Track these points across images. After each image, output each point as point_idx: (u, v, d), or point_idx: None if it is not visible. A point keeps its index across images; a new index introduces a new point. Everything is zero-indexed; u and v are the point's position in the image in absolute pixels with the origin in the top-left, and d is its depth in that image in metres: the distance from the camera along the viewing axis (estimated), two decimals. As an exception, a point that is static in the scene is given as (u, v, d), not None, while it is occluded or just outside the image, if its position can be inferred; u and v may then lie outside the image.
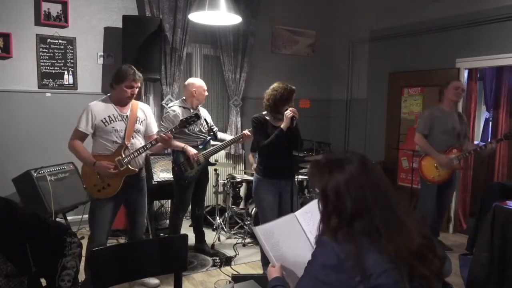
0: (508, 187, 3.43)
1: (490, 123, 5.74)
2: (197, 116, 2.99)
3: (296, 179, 3.16)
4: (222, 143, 3.72)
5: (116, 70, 2.84)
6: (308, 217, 1.48)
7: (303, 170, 4.42)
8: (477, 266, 2.72)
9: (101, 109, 2.77)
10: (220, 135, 3.84)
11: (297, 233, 1.46)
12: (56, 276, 1.39)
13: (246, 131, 3.59)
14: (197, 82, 3.62)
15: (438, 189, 3.73)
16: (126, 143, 2.78)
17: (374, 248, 1.07)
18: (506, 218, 2.64)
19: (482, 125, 6.45)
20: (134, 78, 2.75)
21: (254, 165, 3.85)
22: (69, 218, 3.86)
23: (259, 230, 1.49)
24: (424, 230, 1.14)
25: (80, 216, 3.92)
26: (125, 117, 2.82)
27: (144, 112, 2.96)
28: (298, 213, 1.54)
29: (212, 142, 3.73)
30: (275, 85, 2.99)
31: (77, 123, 2.74)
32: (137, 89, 2.82)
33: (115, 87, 2.78)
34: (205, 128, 3.67)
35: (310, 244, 1.35)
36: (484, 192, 3.72)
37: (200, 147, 3.55)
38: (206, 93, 3.65)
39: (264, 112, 3.05)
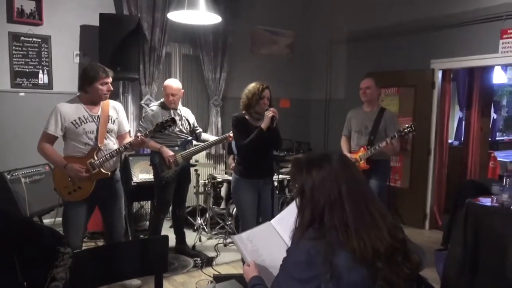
0: (480, 184, 3.55)
1: (463, 122, 5.93)
2: (173, 121, 2.93)
3: (276, 178, 3.19)
4: (203, 144, 3.70)
5: (83, 72, 2.73)
6: (284, 224, 1.49)
7: (283, 170, 4.46)
8: (451, 260, 2.81)
9: (71, 110, 2.68)
10: (204, 136, 3.82)
11: (275, 240, 1.47)
12: (44, 287, 1.35)
13: (231, 133, 3.59)
14: (165, 83, 3.56)
15: None
16: (100, 145, 2.71)
17: (344, 246, 1.08)
18: (478, 214, 2.74)
19: (456, 125, 6.67)
20: (106, 74, 2.69)
21: (233, 165, 3.85)
22: (44, 221, 3.75)
23: (237, 238, 1.50)
24: (397, 231, 1.15)
25: (53, 219, 3.81)
26: (96, 117, 2.74)
27: (116, 110, 2.88)
28: (273, 221, 1.56)
29: (195, 143, 3.71)
30: (249, 85, 3.04)
31: (46, 126, 2.64)
32: (111, 85, 2.76)
33: (88, 89, 2.69)
34: (187, 128, 3.64)
35: None
36: (458, 189, 3.83)
37: (177, 148, 3.52)
38: (171, 98, 3.46)
39: (244, 112, 3.06)
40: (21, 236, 1.33)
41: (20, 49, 4.04)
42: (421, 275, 1.25)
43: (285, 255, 1.19)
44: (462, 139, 5.99)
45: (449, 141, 5.53)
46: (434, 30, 4.55)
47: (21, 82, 4.08)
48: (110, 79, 2.73)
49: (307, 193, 1.19)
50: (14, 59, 4.02)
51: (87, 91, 2.71)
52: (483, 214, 2.73)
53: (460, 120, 6.46)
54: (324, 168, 1.19)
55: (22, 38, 4.04)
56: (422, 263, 1.17)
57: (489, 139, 6.05)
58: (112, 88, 2.76)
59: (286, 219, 1.48)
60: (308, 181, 1.19)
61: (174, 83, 3.55)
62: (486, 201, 2.83)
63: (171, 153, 3.44)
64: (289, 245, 1.22)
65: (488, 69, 5.40)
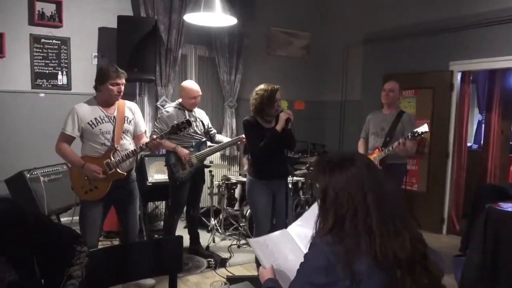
0: (500, 189, 3.46)
1: (483, 125, 5.79)
2: (189, 123, 2.96)
3: (291, 180, 3.17)
4: (217, 145, 3.71)
5: (98, 71, 2.80)
6: (300, 231, 1.48)
7: (297, 172, 4.43)
8: (469, 267, 2.75)
9: (87, 111, 2.72)
10: (218, 137, 3.81)
11: (291, 246, 1.46)
12: (61, 285, 1.36)
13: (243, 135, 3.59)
14: (186, 86, 3.54)
15: None
16: (116, 145, 2.74)
17: (365, 252, 1.06)
18: (499, 220, 2.67)
19: (475, 128, 6.52)
20: (117, 74, 2.70)
21: (246, 167, 3.85)
22: (62, 220, 3.82)
23: (254, 241, 1.51)
24: (419, 244, 1.12)
25: (71, 218, 3.88)
26: (112, 118, 2.77)
27: (132, 110, 2.91)
28: (290, 228, 1.55)
29: (208, 144, 3.72)
30: (258, 87, 2.99)
31: (63, 126, 2.69)
32: (123, 86, 2.77)
33: (100, 87, 2.73)
34: (201, 129, 3.66)
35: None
36: (476, 193, 3.74)
37: (191, 149, 3.53)
38: (193, 100, 3.49)
39: (255, 115, 3.05)
40: (39, 234, 1.35)
41: (40, 50, 4.14)
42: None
43: (300, 260, 1.17)
44: (482, 142, 5.84)
45: (468, 144, 5.41)
46: (453, 31, 4.45)
47: (41, 83, 4.17)
48: (121, 81, 2.74)
49: (330, 195, 1.14)
50: (35, 61, 4.12)
51: (100, 89, 2.75)
52: (504, 220, 2.66)
53: (479, 123, 6.31)
54: (348, 170, 1.15)
55: (42, 40, 4.13)
56: (442, 274, 1.13)
57: (510, 142, 5.89)
58: (122, 90, 2.77)
59: (302, 226, 1.47)
60: (331, 182, 1.15)
61: (195, 86, 3.55)
62: (507, 206, 2.76)
63: (186, 151, 3.45)
64: (305, 251, 1.20)
65: (509, 71, 5.26)
